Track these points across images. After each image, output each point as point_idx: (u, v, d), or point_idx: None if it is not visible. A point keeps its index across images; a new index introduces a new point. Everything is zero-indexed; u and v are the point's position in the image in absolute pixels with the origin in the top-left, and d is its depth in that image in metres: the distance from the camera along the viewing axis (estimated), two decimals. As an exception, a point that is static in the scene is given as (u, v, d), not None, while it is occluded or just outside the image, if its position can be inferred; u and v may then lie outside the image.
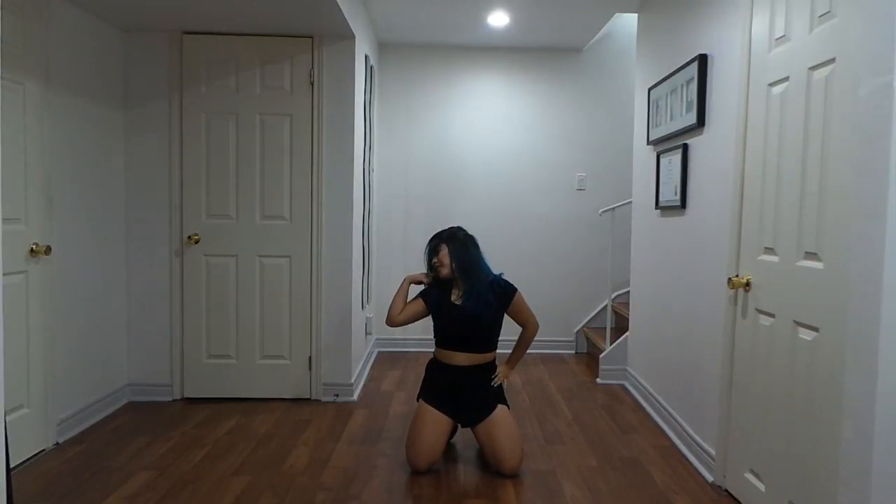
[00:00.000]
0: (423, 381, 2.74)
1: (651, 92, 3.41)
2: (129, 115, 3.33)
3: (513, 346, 2.75)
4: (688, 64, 2.82)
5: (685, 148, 2.88)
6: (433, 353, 2.74)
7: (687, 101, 2.83)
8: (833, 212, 1.73)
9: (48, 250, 2.66)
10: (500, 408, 2.61)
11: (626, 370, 3.87)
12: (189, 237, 3.37)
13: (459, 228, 2.76)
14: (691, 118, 2.76)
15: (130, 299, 3.38)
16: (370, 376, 4.02)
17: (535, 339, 2.80)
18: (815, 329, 1.81)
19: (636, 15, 3.82)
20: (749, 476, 2.20)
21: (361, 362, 3.89)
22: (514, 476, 2.51)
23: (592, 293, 4.71)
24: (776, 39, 2.06)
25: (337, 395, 3.47)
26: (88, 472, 2.50)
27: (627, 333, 3.87)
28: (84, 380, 3.00)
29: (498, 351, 2.72)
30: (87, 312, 3.03)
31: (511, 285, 2.70)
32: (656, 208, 3.29)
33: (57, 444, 2.78)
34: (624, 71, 4.56)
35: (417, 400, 2.71)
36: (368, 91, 3.98)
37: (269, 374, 3.44)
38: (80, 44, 2.95)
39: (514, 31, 4.21)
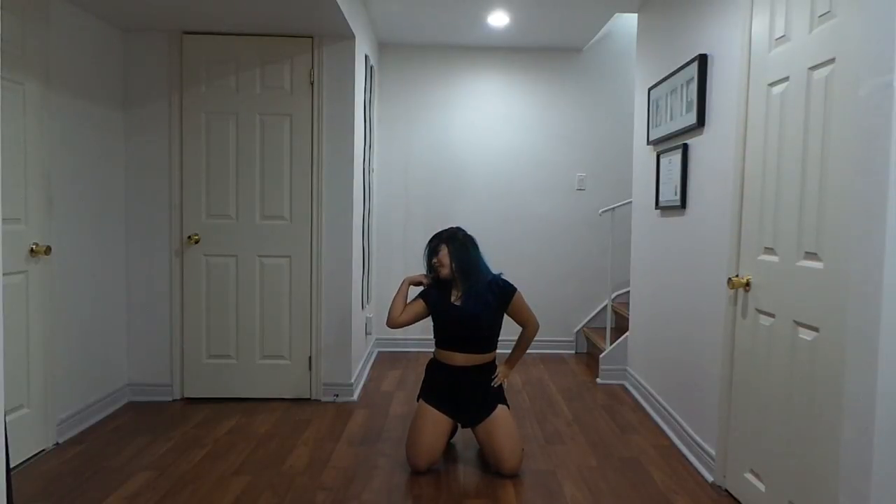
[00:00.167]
0: (423, 381, 2.74)
1: (651, 92, 3.41)
2: (129, 114, 3.33)
3: (513, 346, 2.75)
4: (688, 64, 2.82)
5: (685, 148, 2.88)
6: (433, 353, 2.74)
7: (687, 100, 2.83)
8: (833, 212, 1.72)
9: (48, 250, 2.66)
10: (500, 408, 2.61)
11: (626, 370, 3.87)
12: (189, 237, 3.37)
13: (459, 229, 2.76)
14: (691, 118, 2.76)
15: (130, 299, 3.38)
16: (370, 376, 4.02)
17: (535, 339, 2.80)
18: (815, 329, 1.80)
19: (636, 15, 3.82)
20: (749, 476, 2.20)
21: (361, 362, 3.89)
22: (513, 476, 2.51)
23: (592, 293, 4.71)
24: (776, 39, 2.06)
25: (337, 396, 3.47)
26: (88, 472, 2.50)
27: (627, 333, 3.87)
28: (84, 380, 3.00)
29: (498, 351, 2.73)
30: (87, 312, 3.03)
31: (510, 285, 2.70)
32: (656, 208, 3.29)
33: (57, 444, 2.78)
34: (624, 71, 4.56)
35: (417, 400, 2.71)
36: (368, 91, 3.98)
37: (269, 374, 3.44)
38: (80, 44, 2.95)
39: (514, 31, 4.21)
